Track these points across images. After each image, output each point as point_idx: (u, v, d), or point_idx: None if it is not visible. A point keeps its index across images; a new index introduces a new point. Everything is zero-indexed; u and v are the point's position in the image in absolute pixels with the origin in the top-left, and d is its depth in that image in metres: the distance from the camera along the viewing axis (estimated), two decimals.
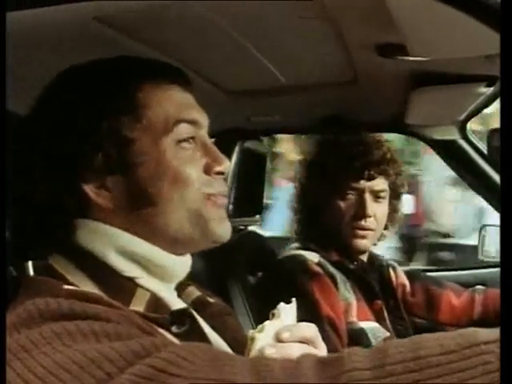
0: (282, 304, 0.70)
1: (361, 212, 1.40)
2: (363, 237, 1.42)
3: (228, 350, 0.75)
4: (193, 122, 0.75)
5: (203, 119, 0.77)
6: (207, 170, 0.75)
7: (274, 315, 0.69)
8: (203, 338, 0.71)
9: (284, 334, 0.64)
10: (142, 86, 0.72)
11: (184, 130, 0.73)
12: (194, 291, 0.81)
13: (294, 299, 0.72)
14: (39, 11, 0.68)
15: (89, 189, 0.70)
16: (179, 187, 0.72)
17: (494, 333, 0.50)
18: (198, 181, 0.73)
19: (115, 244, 0.70)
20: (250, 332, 0.67)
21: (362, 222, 1.41)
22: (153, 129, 0.71)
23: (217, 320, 0.78)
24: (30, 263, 0.71)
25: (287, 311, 0.70)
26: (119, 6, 0.74)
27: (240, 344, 0.73)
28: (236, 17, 0.88)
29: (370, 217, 1.41)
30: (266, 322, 0.68)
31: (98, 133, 0.69)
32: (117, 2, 0.74)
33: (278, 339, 0.64)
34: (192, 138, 0.74)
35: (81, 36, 0.82)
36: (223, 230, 0.76)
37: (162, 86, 0.74)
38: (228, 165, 0.77)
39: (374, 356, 0.50)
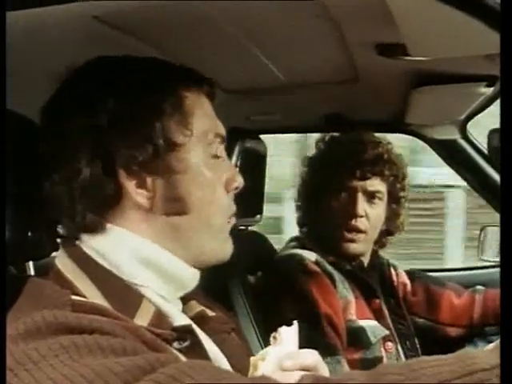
0: (283, 327, 0.70)
1: (351, 211, 1.39)
2: (353, 240, 1.40)
3: (228, 367, 0.75)
4: (221, 137, 0.77)
5: (224, 134, 0.79)
6: (227, 187, 0.77)
7: (275, 339, 0.69)
8: (203, 354, 0.72)
9: (286, 362, 0.64)
10: (188, 94, 0.74)
11: (218, 144, 0.76)
12: (196, 305, 0.81)
13: (295, 322, 0.71)
14: (39, 10, 0.67)
15: (129, 184, 0.70)
16: (211, 205, 0.74)
17: (491, 358, 0.49)
18: (224, 201, 0.76)
19: (137, 252, 0.71)
20: (252, 359, 0.67)
21: (352, 222, 1.39)
22: (197, 138, 0.73)
23: (216, 337, 0.78)
24: (30, 263, 0.71)
25: (289, 334, 0.69)
26: (119, 5, 0.74)
27: (238, 362, 0.74)
28: (236, 16, 0.88)
29: (362, 217, 1.39)
30: (268, 348, 0.68)
31: (151, 130, 0.70)
32: (117, 1, 0.74)
33: (281, 367, 0.64)
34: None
35: (81, 35, 0.82)
36: (228, 249, 0.79)
37: (201, 97, 0.77)
38: (241, 180, 0.79)
39: (371, 381, 0.50)
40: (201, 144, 0.74)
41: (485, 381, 0.47)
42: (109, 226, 0.71)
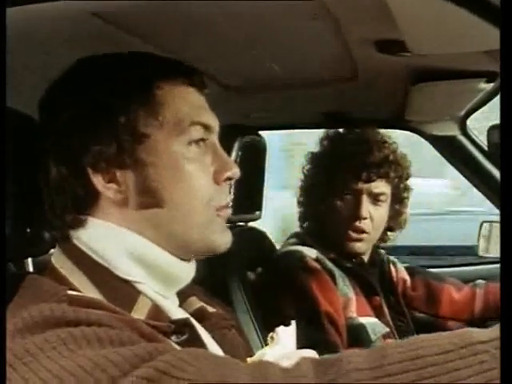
0: (281, 327, 0.70)
1: (355, 213, 1.39)
2: (358, 240, 1.41)
3: None
4: (205, 126, 0.75)
5: (215, 124, 0.78)
6: (216, 178, 0.75)
7: (272, 339, 0.68)
8: (202, 347, 0.71)
9: (284, 362, 0.64)
10: (161, 84, 0.73)
11: (197, 132, 0.74)
12: (196, 302, 0.81)
13: (293, 321, 0.71)
14: (38, 7, 0.67)
15: (97, 180, 0.70)
16: (189, 196, 0.72)
17: (489, 332, 0.50)
18: (208, 192, 0.74)
19: (124, 245, 0.70)
20: (249, 360, 0.67)
21: (357, 224, 1.39)
22: (168, 127, 0.72)
23: (216, 333, 0.78)
24: (29, 260, 0.71)
25: (286, 334, 0.69)
26: (118, 3, 0.74)
27: (238, 359, 0.73)
28: (236, 14, 0.87)
29: (366, 219, 1.40)
30: (265, 349, 0.67)
31: (115, 125, 0.69)
32: None
33: None
34: (202, 140, 0.75)
35: (80, 32, 0.82)
36: (224, 240, 0.76)
37: (180, 86, 0.75)
38: (237, 171, 0.77)
39: (373, 356, 0.51)
40: (174, 134, 0.72)
41: (483, 352, 0.48)
42: (93, 220, 0.71)
